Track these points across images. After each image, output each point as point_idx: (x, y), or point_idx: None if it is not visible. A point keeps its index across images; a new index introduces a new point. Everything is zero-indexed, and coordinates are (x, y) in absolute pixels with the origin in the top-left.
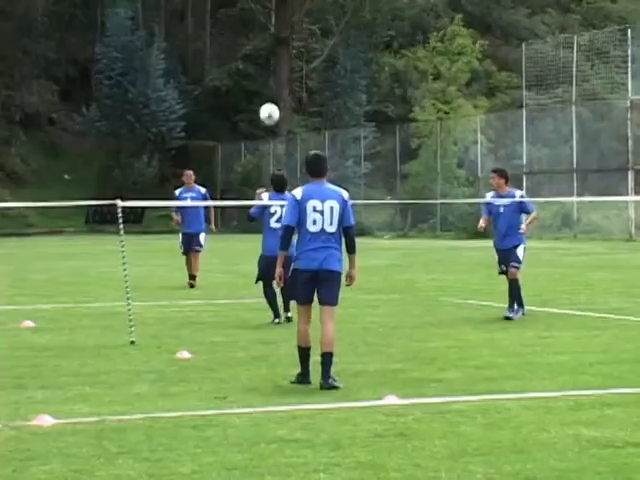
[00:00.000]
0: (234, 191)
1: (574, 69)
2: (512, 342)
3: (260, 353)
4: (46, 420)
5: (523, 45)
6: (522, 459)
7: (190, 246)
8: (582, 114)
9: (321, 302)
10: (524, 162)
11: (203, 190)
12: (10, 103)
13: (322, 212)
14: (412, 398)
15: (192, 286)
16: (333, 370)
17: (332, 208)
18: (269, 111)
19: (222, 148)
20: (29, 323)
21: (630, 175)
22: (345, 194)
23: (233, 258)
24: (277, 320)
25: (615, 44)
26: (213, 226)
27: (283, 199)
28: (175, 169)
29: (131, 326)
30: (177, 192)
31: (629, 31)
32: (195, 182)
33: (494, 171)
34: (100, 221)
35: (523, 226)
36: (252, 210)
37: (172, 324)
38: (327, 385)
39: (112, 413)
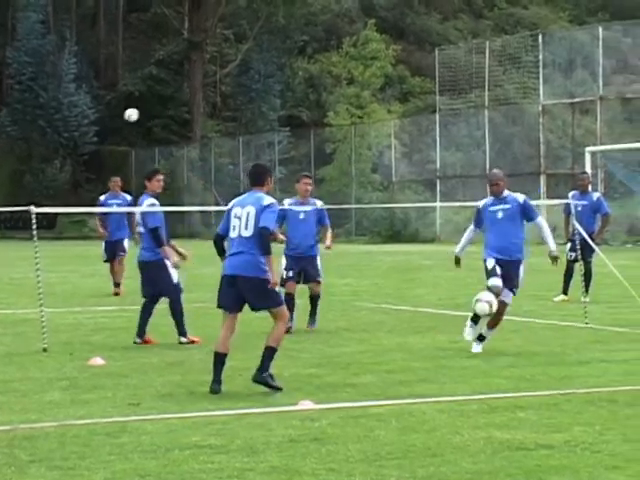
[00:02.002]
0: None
1: (486, 74)
2: (426, 346)
3: (174, 359)
4: None
5: (436, 50)
6: (435, 462)
7: (115, 253)
8: (495, 119)
9: (252, 309)
10: (438, 166)
11: (129, 197)
12: None
13: (240, 217)
14: (327, 403)
15: (117, 294)
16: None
17: (248, 213)
18: None
19: (136, 153)
20: None
21: (542, 179)
22: (266, 200)
23: None
24: (138, 340)
25: (527, 49)
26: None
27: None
28: (88, 174)
29: (44, 333)
30: (102, 198)
31: (540, 37)
32: (121, 189)
33: (306, 175)
34: (11, 227)
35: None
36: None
37: (85, 330)
38: (259, 379)
39: (24, 421)
